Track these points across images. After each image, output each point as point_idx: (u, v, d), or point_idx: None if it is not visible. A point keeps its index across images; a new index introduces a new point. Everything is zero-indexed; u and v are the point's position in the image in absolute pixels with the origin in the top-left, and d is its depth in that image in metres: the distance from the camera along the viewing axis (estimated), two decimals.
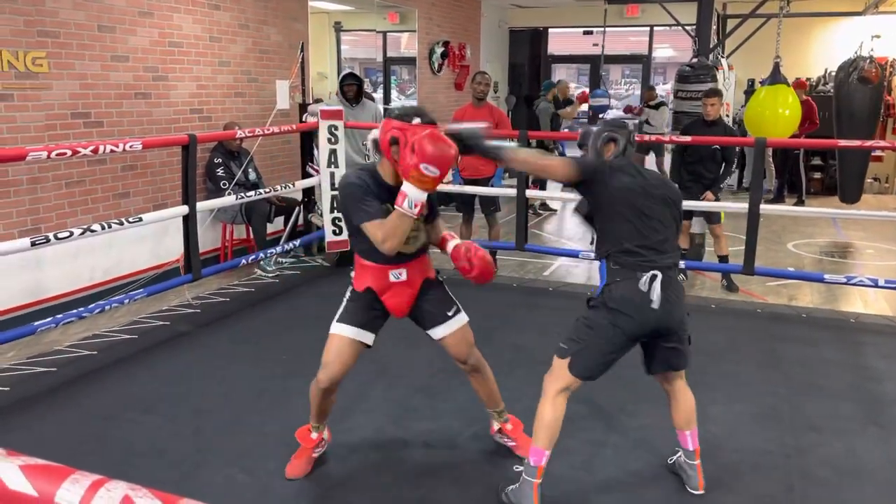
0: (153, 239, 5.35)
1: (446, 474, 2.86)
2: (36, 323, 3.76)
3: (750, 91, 10.01)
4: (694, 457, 2.76)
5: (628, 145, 2.62)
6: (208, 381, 3.75)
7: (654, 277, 2.41)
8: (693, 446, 2.75)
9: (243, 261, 5.13)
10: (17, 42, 4.35)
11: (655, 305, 2.41)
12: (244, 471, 2.85)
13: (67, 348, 4.11)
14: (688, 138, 5.20)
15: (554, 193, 7.55)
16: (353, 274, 2.77)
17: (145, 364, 3.93)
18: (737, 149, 5.83)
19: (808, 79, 10.32)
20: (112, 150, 4.03)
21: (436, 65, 9.91)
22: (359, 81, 6.11)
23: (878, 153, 9.58)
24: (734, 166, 5.64)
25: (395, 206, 2.42)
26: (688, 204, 5.37)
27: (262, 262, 5.62)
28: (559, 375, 2.55)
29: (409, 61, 10.30)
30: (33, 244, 3.71)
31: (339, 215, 5.60)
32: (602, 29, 7.62)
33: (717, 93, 5.50)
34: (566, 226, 8.51)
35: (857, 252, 7.22)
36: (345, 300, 2.76)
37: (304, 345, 4.03)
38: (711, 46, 6.60)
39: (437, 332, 2.78)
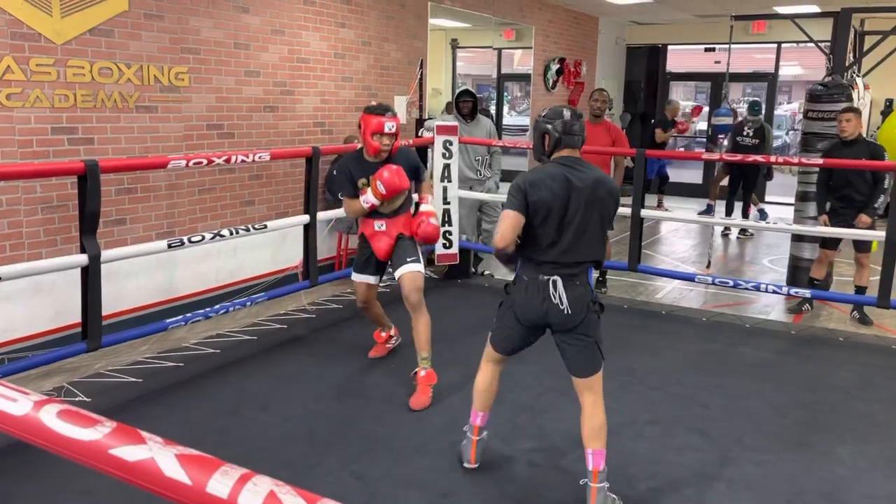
0: (273, 245, 5.61)
1: (549, 495, 2.82)
2: (168, 320, 4.01)
3: (888, 111, 9.38)
4: (592, 478, 2.63)
5: (563, 136, 2.65)
6: (321, 384, 3.88)
7: (553, 283, 2.62)
8: (591, 466, 2.64)
9: None
10: (163, 58, 4.69)
11: (561, 306, 2.61)
12: (353, 474, 2.92)
13: (194, 345, 4.36)
14: (819, 161, 4.91)
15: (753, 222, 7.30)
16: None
17: (263, 364, 4.11)
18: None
19: None
20: (242, 161, 4.26)
21: (550, 81, 9.87)
22: (474, 98, 6.18)
23: None
24: (886, 185, 5.05)
25: (360, 195, 3.66)
26: (839, 232, 5.04)
27: None
28: (487, 346, 2.92)
29: (523, 77, 10.32)
30: (170, 246, 3.97)
31: (450, 229, 5.68)
32: (727, 46, 7.34)
33: (853, 109, 5.16)
34: (680, 248, 8.24)
35: None
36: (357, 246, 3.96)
37: (414, 354, 4.10)
38: (847, 65, 6.22)
39: (398, 272, 3.72)
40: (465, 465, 2.96)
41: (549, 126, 2.66)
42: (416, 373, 3.69)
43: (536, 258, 2.64)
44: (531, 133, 2.82)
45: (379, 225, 3.79)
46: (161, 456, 0.89)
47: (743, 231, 8.72)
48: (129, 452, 0.90)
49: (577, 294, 2.62)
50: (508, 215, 2.59)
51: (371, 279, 3.91)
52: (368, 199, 3.61)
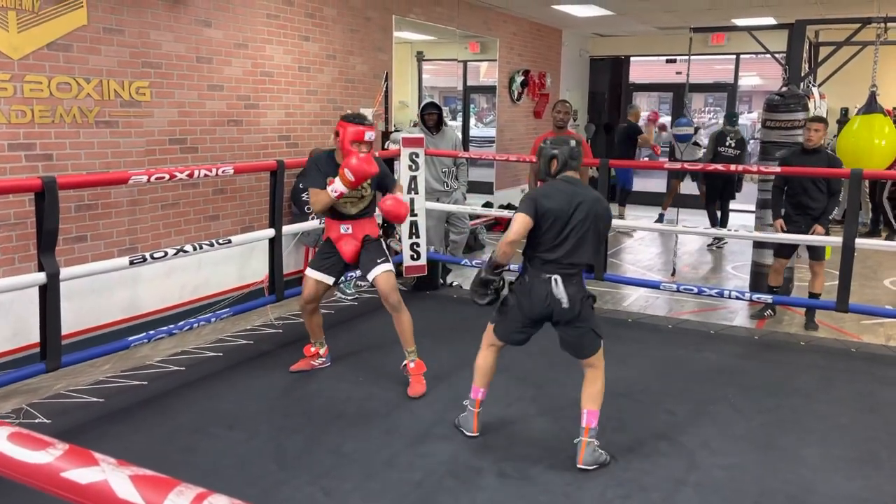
0: (239, 260, 5.55)
1: None
2: (130, 338, 3.94)
3: (843, 121, 9.62)
4: (584, 433, 3.03)
5: (568, 160, 3.12)
6: (289, 399, 3.84)
7: (555, 280, 3.01)
8: (584, 423, 3.04)
9: None
10: (123, 72, 4.63)
11: (564, 303, 3.01)
12: (322, 490, 2.88)
13: (158, 363, 4.28)
14: (783, 168, 5.01)
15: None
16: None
17: (230, 381, 4.05)
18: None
19: None
20: (206, 175, 4.21)
21: (515, 93, 9.95)
22: (439, 110, 6.21)
23: None
24: (840, 197, 5.31)
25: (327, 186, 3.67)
26: (795, 238, 5.15)
27: (341, 285, 5.73)
28: (487, 333, 3.30)
29: (489, 90, 10.39)
30: (131, 263, 3.90)
31: (418, 241, 5.68)
32: (686, 57, 7.48)
33: (821, 119, 5.30)
34: (645, 256, 8.34)
35: None
36: (319, 248, 4.04)
37: (382, 367, 4.09)
38: (803, 75, 6.37)
39: (370, 274, 3.81)
40: (468, 434, 3.32)
41: (556, 151, 3.13)
42: (405, 365, 3.85)
43: (541, 258, 3.04)
44: (536, 157, 3.30)
45: (345, 228, 3.88)
46: (114, 477, 0.87)
47: (719, 240, 8.78)
48: (82, 475, 0.88)
49: (574, 290, 3.04)
50: (520, 217, 3.02)
51: (325, 278, 3.91)
52: (336, 187, 3.65)
